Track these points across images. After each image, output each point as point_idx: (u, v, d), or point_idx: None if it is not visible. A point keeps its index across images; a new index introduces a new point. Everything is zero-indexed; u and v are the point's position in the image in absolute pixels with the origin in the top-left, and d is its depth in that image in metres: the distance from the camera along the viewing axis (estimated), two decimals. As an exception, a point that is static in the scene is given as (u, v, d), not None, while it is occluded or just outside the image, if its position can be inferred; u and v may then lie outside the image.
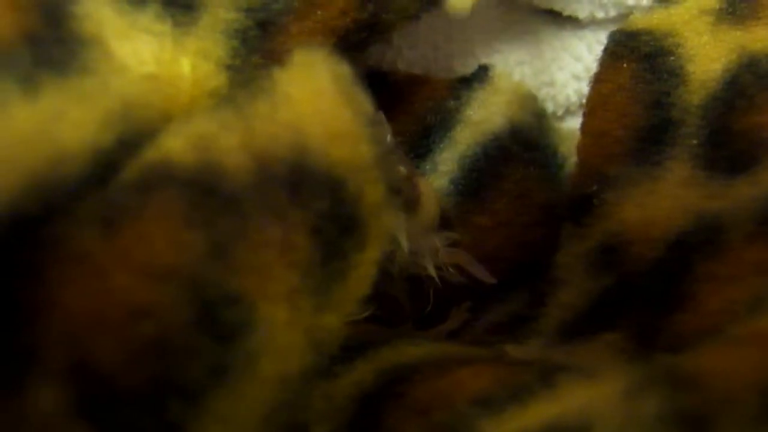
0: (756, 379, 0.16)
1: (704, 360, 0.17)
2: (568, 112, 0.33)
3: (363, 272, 0.19)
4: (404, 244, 0.23)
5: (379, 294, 0.23)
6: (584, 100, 0.28)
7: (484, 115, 0.29)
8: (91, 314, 0.16)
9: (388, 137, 0.23)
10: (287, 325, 0.17)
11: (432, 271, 0.24)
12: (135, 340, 0.16)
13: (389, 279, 0.24)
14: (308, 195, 0.18)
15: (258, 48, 0.23)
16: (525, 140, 0.29)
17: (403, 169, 0.23)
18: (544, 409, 0.18)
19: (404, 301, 0.25)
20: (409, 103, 0.29)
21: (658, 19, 0.27)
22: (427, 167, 0.29)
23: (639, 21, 0.27)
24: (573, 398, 0.18)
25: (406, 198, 0.23)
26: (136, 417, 0.16)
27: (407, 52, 0.30)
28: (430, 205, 0.25)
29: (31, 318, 0.16)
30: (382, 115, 0.22)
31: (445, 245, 0.24)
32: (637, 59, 0.26)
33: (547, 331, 0.24)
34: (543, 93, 0.32)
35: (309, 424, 0.21)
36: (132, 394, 0.16)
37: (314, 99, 0.18)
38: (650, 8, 0.30)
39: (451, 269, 0.24)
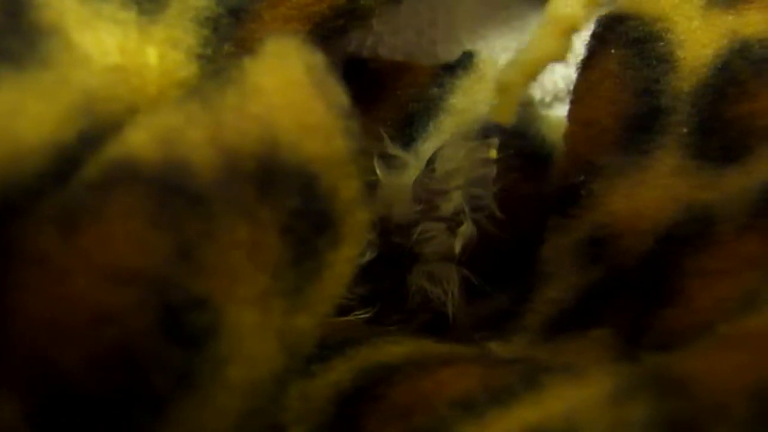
0: (746, 383, 0.16)
1: (694, 363, 0.17)
2: (556, 98, 0.32)
3: (338, 271, 0.18)
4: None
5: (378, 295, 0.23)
6: (572, 87, 0.27)
7: (468, 103, 0.28)
8: (51, 319, 0.16)
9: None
10: (257, 328, 0.17)
11: (449, 307, 0.25)
12: (97, 346, 0.16)
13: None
14: (279, 192, 0.17)
15: (230, 36, 0.22)
16: (511, 129, 0.29)
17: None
18: (527, 412, 0.17)
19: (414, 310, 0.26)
20: (391, 91, 0.28)
21: (647, 4, 0.26)
22: (410, 157, 0.28)
23: (627, 5, 0.26)
24: (557, 401, 0.17)
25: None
26: (99, 427, 0.16)
27: (389, 38, 0.29)
28: (466, 245, 0.26)
29: (-14, 324, 0.16)
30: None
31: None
32: (625, 45, 0.25)
33: (533, 327, 0.24)
34: (530, 79, 0.32)
35: (286, 426, 0.20)
36: (94, 403, 0.16)
37: (286, 90, 0.18)
38: (639, -8, 0.30)
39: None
